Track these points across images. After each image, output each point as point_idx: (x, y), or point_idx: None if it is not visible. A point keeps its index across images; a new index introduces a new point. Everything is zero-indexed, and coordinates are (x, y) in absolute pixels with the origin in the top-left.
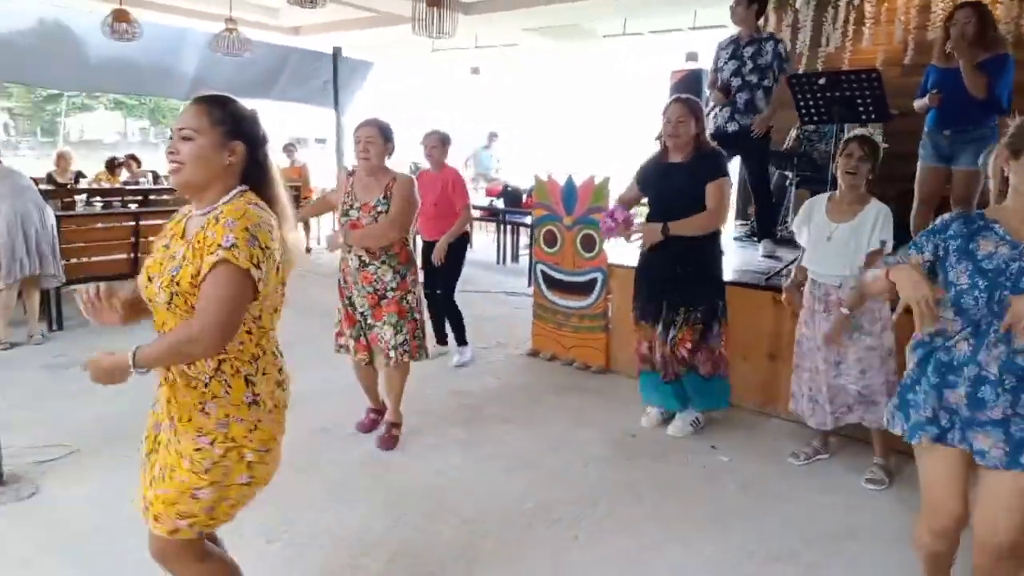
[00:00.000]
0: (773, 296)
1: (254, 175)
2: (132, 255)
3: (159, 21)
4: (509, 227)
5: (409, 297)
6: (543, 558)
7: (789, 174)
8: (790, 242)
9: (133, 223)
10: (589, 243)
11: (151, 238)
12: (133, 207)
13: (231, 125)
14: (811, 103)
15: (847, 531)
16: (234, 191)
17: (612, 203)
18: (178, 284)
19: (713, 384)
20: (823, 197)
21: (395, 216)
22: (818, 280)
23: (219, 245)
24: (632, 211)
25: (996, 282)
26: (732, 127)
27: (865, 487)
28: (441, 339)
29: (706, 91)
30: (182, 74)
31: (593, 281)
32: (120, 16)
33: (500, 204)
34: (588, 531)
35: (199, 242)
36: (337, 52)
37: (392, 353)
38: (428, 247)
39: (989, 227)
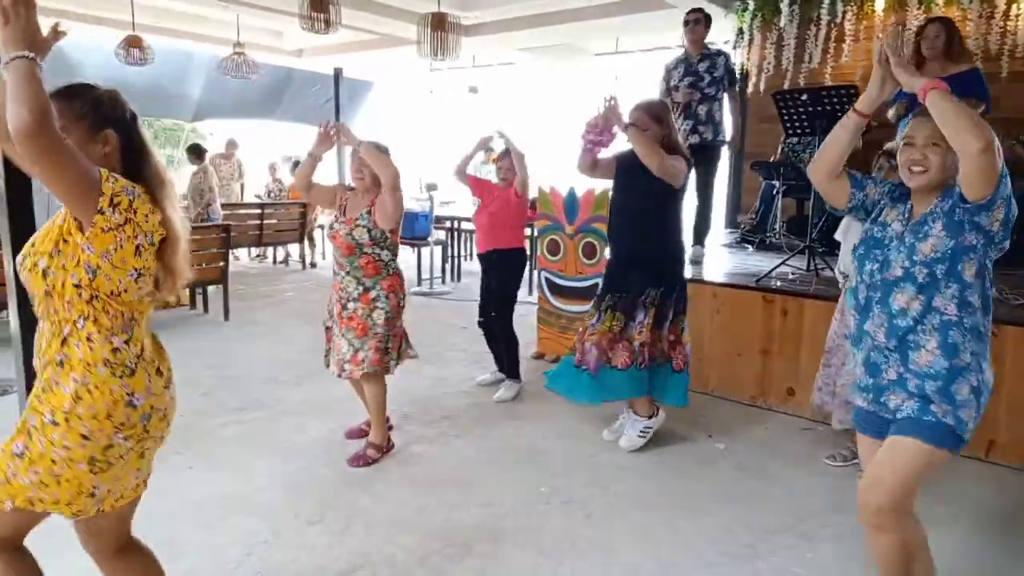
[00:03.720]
0: (763, 296)
1: (132, 159)
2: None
3: (167, 46)
4: None
5: (375, 313)
6: (560, 534)
7: (776, 183)
8: (777, 247)
9: None
10: (591, 250)
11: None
12: None
13: (94, 115)
14: (795, 117)
15: (835, 506)
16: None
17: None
18: (32, 244)
19: (683, 378)
20: None
21: (399, 183)
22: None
23: None
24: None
25: (870, 252)
26: (694, 139)
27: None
28: (501, 366)
29: None
30: (188, 96)
31: (595, 286)
32: (133, 42)
33: None
34: (600, 510)
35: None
36: (339, 73)
37: (347, 366)
38: (481, 260)
39: (904, 200)
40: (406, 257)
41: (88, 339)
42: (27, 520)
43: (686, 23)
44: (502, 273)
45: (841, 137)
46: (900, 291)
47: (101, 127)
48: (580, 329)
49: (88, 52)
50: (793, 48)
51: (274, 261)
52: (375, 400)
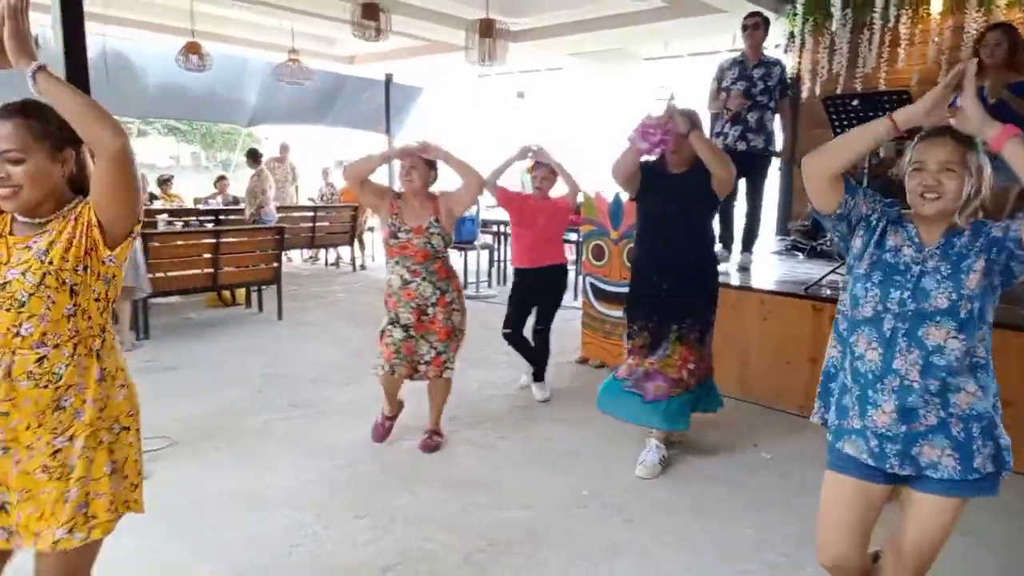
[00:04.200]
0: (812, 304)
1: (80, 177)
2: (213, 269)
3: (224, 52)
4: None
5: (454, 316)
6: (598, 537)
7: None
8: (828, 255)
9: (214, 240)
10: None
11: (229, 254)
12: (208, 226)
13: (59, 134)
14: (845, 122)
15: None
16: (70, 204)
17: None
18: (51, 262)
19: (712, 385)
20: None
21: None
22: None
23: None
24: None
25: (891, 279)
26: (742, 146)
27: None
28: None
29: (708, 109)
30: (244, 101)
31: None
32: (191, 48)
33: None
34: (638, 514)
35: (64, 220)
36: (389, 79)
37: (422, 367)
38: (524, 276)
39: (903, 224)
40: (452, 261)
41: (112, 346)
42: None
43: (744, 28)
44: (560, 288)
45: (865, 141)
46: (934, 325)
47: (63, 147)
48: (635, 353)
49: (149, 58)
50: (846, 53)
51: (325, 263)
52: (445, 395)
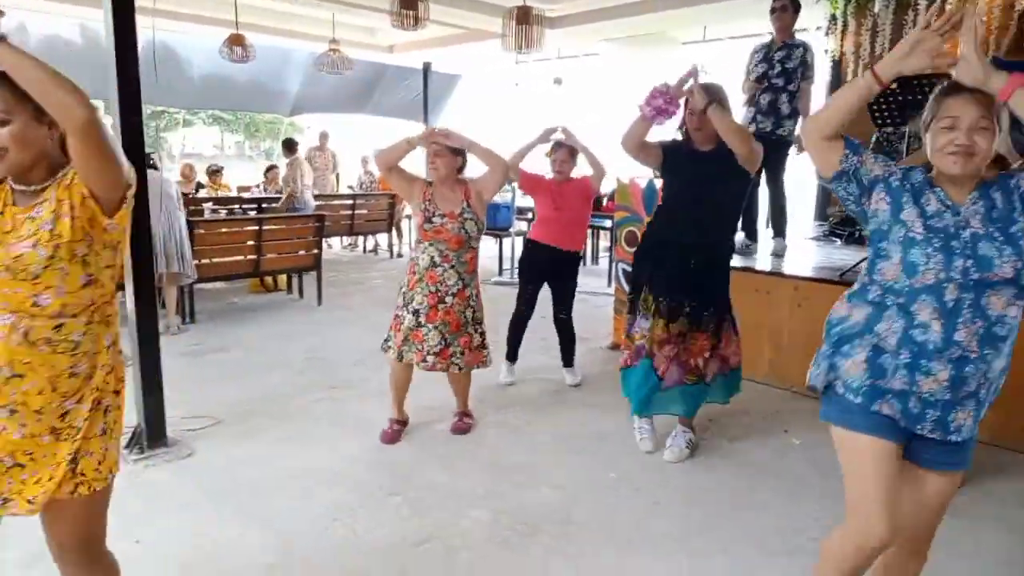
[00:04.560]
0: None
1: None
2: (256, 256)
3: (267, 43)
4: (590, 231)
5: (467, 311)
6: (628, 520)
7: None
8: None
9: (256, 227)
10: None
11: (271, 241)
12: (251, 213)
13: None
14: (884, 107)
15: None
16: (63, 172)
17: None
18: (60, 235)
19: (736, 374)
20: None
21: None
22: None
23: None
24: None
25: (949, 246)
26: (751, 128)
27: None
28: (567, 358)
29: (742, 94)
30: (286, 91)
31: None
32: (235, 40)
33: None
34: (667, 498)
35: (60, 187)
36: (428, 67)
37: (429, 358)
38: (538, 251)
39: (932, 188)
40: (488, 247)
41: (118, 313)
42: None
43: (772, 10)
44: (574, 273)
45: (848, 99)
46: (996, 293)
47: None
48: (645, 335)
49: (193, 50)
50: (889, 35)
51: (364, 250)
52: (467, 384)
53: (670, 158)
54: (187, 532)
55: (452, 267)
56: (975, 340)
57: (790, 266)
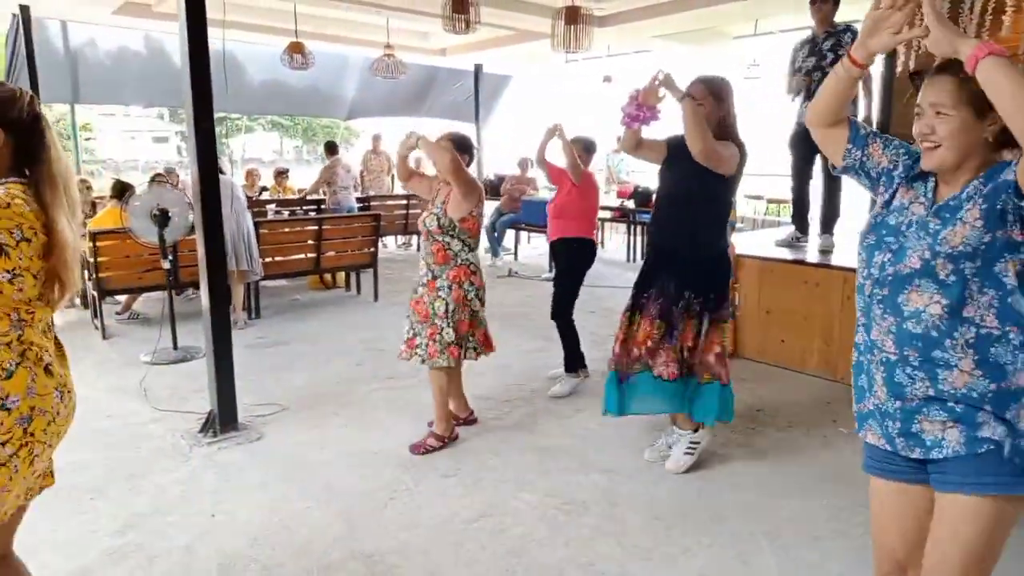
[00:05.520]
0: None
1: (24, 160)
2: (316, 254)
3: (325, 50)
4: (638, 227)
5: (436, 303)
6: (673, 502)
7: None
8: None
9: (316, 227)
10: None
11: (330, 240)
12: (312, 215)
13: None
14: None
15: None
16: None
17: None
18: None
19: (728, 392)
20: None
21: (456, 168)
22: None
23: None
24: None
25: (882, 242)
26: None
27: None
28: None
29: (787, 94)
30: (343, 96)
31: None
32: (295, 48)
33: (631, 205)
34: (712, 484)
35: None
36: (479, 69)
37: (401, 347)
38: (554, 245)
39: (925, 178)
40: (537, 244)
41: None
42: None
43: (812, 1)
44: (560, 264)
45: (831, 87)
46: (914, 289)
47: None
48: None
49: (253, 58)
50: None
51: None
52: (435, 390)
53: (671, 153)
54: (257, 507)
55: (423, 258)
56: (888, 339)
57: (840, 258)
